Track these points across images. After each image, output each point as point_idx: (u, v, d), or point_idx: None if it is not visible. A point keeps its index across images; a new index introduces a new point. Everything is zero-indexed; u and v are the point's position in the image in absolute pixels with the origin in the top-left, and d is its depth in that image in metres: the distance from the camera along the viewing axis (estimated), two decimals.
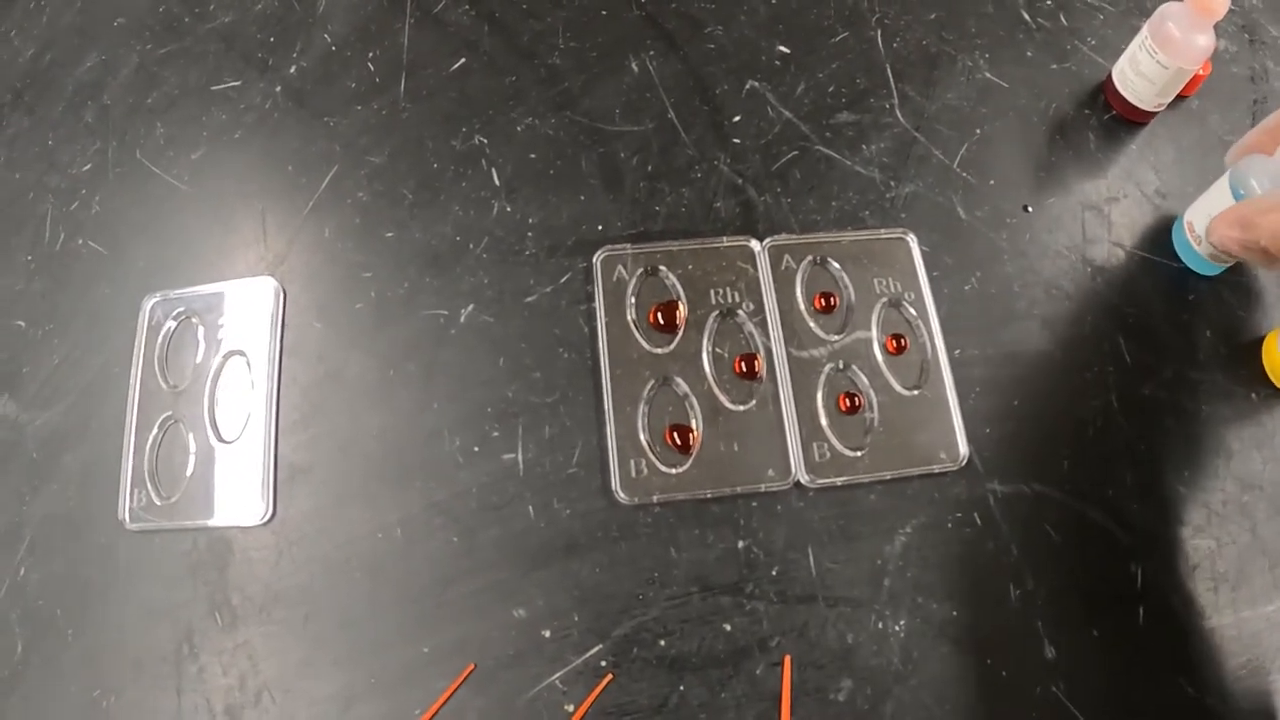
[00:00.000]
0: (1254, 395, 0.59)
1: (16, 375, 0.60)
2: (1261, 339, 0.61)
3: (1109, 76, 0.67)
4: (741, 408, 0.57)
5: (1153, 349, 0.60)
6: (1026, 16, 0.71)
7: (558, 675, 0.51)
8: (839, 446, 0.56)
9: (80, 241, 0.63)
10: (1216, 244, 0.52)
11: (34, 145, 0.67)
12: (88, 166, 0.66)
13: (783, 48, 0.69)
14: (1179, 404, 0.59)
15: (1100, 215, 0.64)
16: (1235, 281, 0.62)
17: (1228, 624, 0.54)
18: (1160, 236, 0.63)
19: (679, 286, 0.59)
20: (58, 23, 0.72)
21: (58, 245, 0.63)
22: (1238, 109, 0.69)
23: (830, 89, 0.67)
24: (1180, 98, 0.67)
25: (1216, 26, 0.60)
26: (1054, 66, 0.69)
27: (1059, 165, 0.65)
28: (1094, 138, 0.67)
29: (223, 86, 0.68)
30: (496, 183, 0.63)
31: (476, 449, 0.56)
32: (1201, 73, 0.67)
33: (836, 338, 0.59)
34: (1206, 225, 0.55)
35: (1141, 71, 0.63)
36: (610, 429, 0.56)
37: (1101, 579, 0.54)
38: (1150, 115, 0.66)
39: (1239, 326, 0.61)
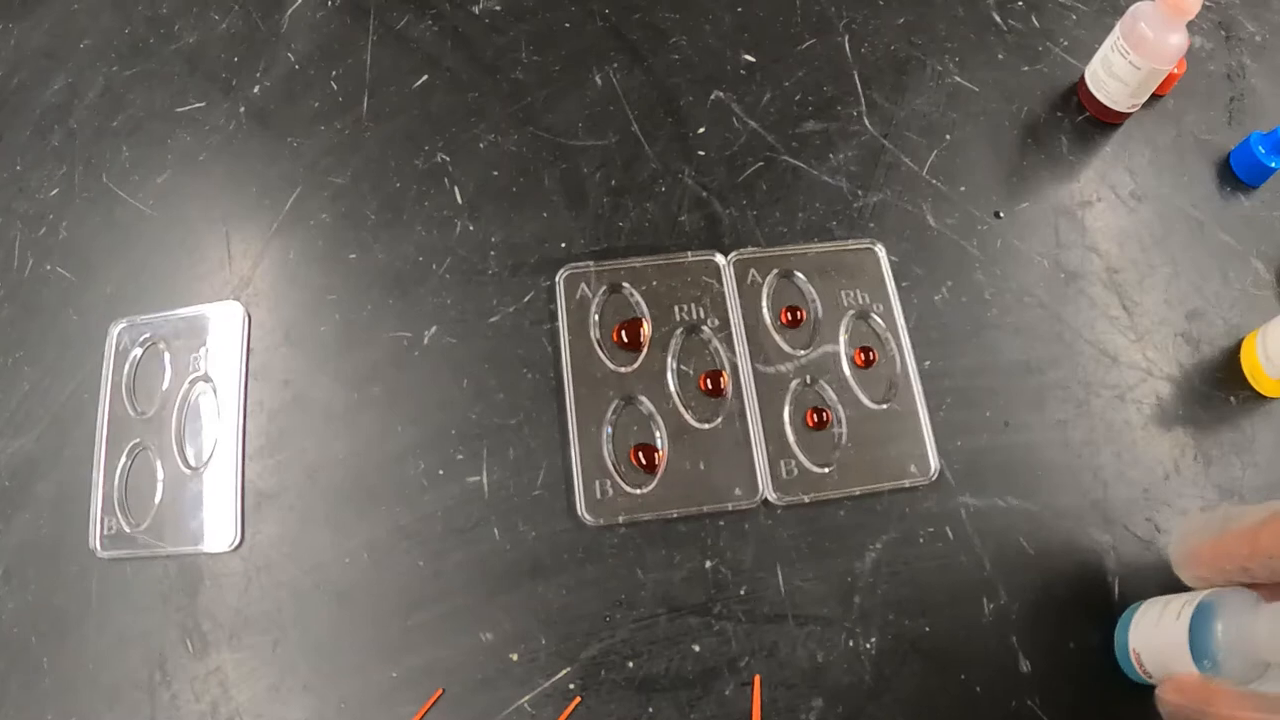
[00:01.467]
0: (1232, 399, 0.59)
1: None
2: (1239, 343, 0.60)
3: (1082, 78, 0.66)
4: (707, 426, 0.56)
5: (1129, 354, 0.60)
6: (997, 18, 0.70)
7: (526, 698, 0.51)
8: (807, 463, 0.55)
9: (48, 267, 0.63)
10: (1164, 710, 0.43)
11: (1, 170, 0.67)
12: (55, 191, 0.66)
13: (748, 56, 0.68)
14: (1156, 410, 0.58)
15: (1074, 219, 0.63)
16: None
17: None
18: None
19: (643, 304, 0.59)
20: (26, 45, 0.72)
21: (26, 271, 0.63)
22: (1214, 107, 0.68)
23: (797, 97, 0.67)
24: (1155, 97, 0.67)
25: (1191, 24, 0.59)
26: (1025, 69, 0.68)
27: (1031, 169, 0.65)
28: (1067, 140, 0.66)
29: (188, 108, 0.67)
30: (459, 201, 0.63)
31: (441, 472, 0.56)
32: (1176, 71, 0.66)
33: (803, 352, 0.58)
34: (1159, 675, 0.47)
35: (1114, 72, 0.62)
36: (575, 450, 0.55)
37: (1077, 591, 0.54)
38: (1124, 116, 0.65)
39: (1217, 329, 0.61)
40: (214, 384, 0.59)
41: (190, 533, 0.55)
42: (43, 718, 0.52)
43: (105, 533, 0.56)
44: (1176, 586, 0.48)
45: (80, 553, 0.55)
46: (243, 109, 0.67)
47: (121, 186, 0.65)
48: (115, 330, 0.60)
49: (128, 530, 0.56)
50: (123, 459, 0.57)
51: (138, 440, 0.58)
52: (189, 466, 0.57)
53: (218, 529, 0.55)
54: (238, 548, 0.55)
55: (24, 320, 0.62)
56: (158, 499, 0.56)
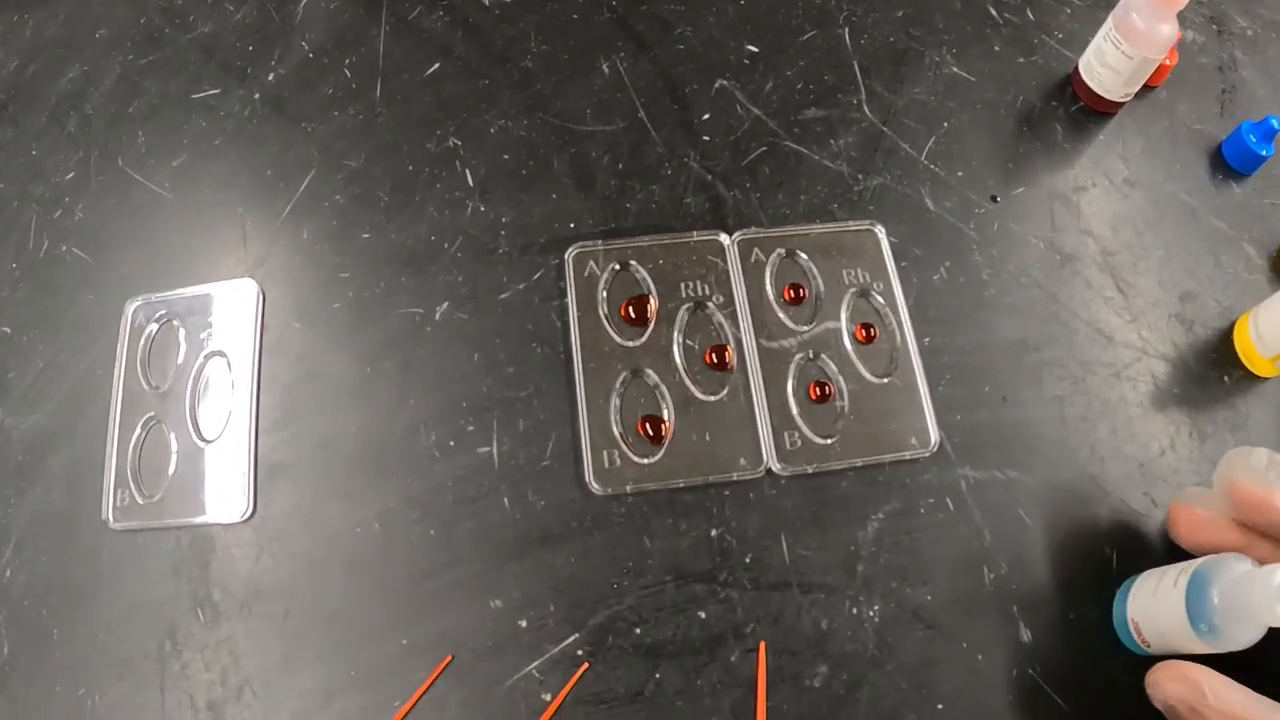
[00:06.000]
0: (1225, 378, 0.60)
1: (2, 380, 0.61)
2: (1232, 324, 0.61)
3: (1075, 68, 0.68)
4: (713, 398, 0.57)
5: (1124, 334, 0.61)
6: (993, 11, 0.72)
7: (535, 665, 0.52)
8: (810, 435, 0.57)
9: (64, 248, 0.64)
10: (1154, 694, 0.47)
11: (18, 155, 0.68)
12: (71, 175, 0.67)
13: (751, 47, 0.70)
14: (1152, 388, 0.59)
15: (1069, 204, 0.65)
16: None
17: None
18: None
19: (650, 281, 0.60)
20: (41, 34, 0.73)
21: (42, 252, 0.64)
22: (1206, 99, 0.69)
23: (798, 86, 0.68)
24: (1148, 87, 0.68)
25: (1185, 18, 0.60)
26: (1021, 60, 0.70)
27: (1027, 156, 0.66)
28: (1061, 129, 0.67)
29: (203, 95, 0.69)
30: (470, 184, 0.64)
31: (452, 443, 0.57)
32: (1168, 62, 0.67)
33: (806, 328, 0.59)
34: (1158, 644, 0.49)
35: (1107, 62, 0.64)
36: (583, 421, 0.56)
37: (1075, 563, 0.54)
38: (1117, 105, 0.67)
39: (1210, 311, 0.62)
40: (228, 359, 0.60)
41: (203, 504, 0.56)
42: (52, 689, 0.53)
43: (118, 504, 0.56)
44: (1173, 558, 0.49)
45: (92, 525, 0.56)
46: (257, 96, 0.68)
47: (138, 170, 0.67)
48: (130, 308, 0.61)
49: (140, 502, 0.57)
50: (137, 432, 0.58)
51: (152, 414, 0.59)
52: (203, 440, 0.58)
53: (230, 500, 0.56)
54: (250, 519, 0.56)
55: (40, 299, 0.63)
56: (171, 471, 0.57)
